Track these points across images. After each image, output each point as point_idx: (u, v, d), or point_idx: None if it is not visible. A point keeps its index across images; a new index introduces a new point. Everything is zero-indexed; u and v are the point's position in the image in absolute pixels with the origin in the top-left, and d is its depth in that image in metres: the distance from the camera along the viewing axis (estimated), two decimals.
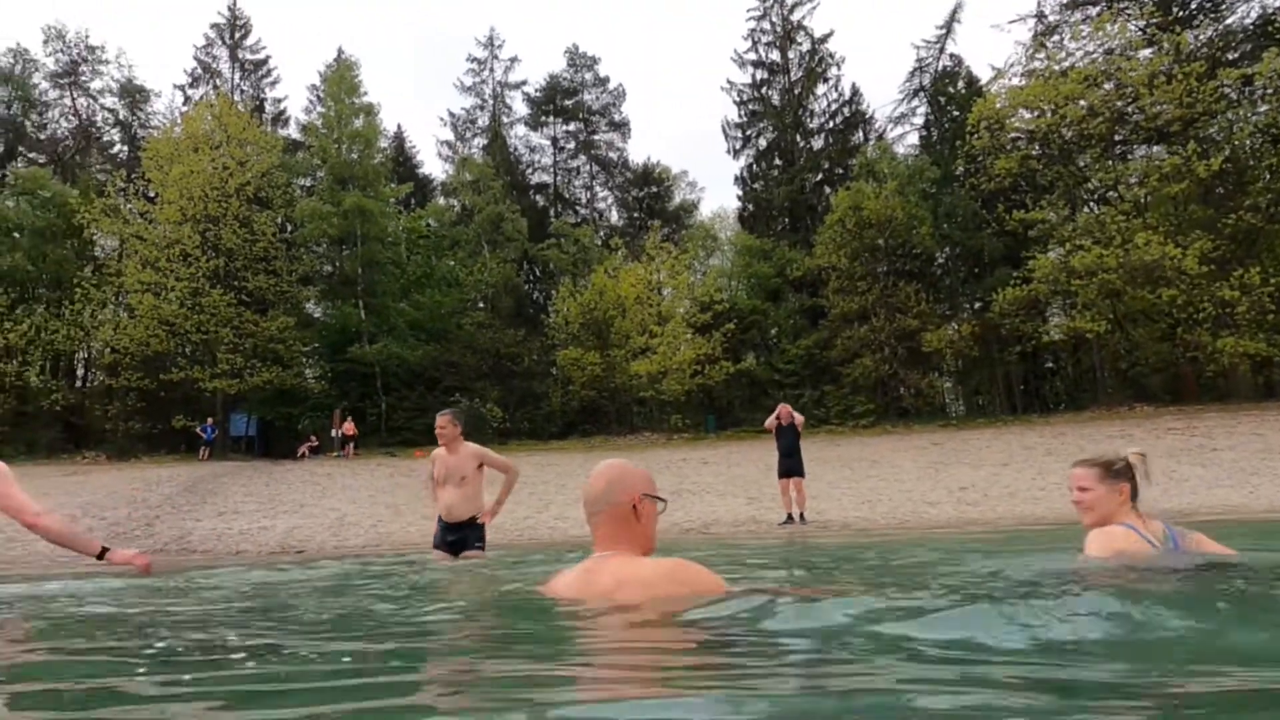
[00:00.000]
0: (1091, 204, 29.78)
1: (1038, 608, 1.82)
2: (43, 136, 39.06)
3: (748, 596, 2.04)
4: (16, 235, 32.45)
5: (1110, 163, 27.69)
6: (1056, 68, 27.85)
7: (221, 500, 17.07)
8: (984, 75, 33.35)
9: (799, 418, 12.21)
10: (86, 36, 38.89)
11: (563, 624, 2.09)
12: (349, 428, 28.15)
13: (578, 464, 22.86)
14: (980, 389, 35.96)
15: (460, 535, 6.17)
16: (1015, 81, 29.62)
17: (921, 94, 37.42)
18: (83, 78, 38.96)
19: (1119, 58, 26.68)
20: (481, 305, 37.19)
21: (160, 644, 2.02)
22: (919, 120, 38.06)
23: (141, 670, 1.68)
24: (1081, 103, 26.95)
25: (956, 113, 34.17)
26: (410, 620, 2.49)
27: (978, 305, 32.68)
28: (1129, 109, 27.22)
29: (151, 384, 30.25)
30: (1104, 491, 2.91)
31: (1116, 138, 28.23)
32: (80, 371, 35.88)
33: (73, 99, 39.36)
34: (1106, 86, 27.10)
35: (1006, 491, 13.46)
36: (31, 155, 38.74)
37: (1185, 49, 25.22)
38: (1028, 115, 28.89)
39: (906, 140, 38.52)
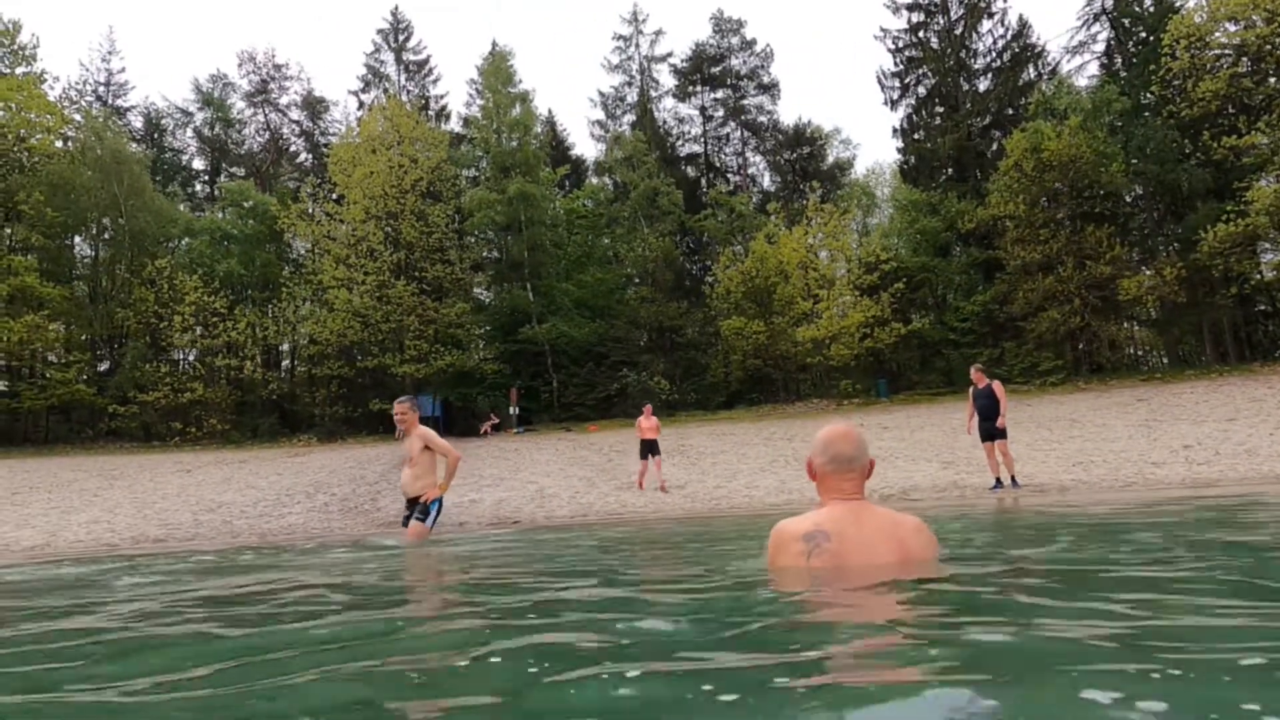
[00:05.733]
0: None
1: None
2: (241, 152, 43.19)
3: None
4: (228, 244, 36.25)
5: None
6: None
7: None
8: None
9: (996, 384, 11.72)
10: (273, 56, 42.79)
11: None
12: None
13: (751, 433, 22.90)
14: (1183, 338, 32.83)
15: (411, 510, 6.92)
16: None
17: (1103, 18, 34.20)
18: (272, 94, 42.72)
19: None
20: (639, 280, 37.80)
21: None
22: (1100, 47, 34.93)
23: None
24: None
25: (1145, 34, 31.10)
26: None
27: (1176, 246, 29.72)
28: None
29: (349, 371, 33.10)
30: None
31: None
32: (287, 363, 39.68)
33: (265, 115, 43.22)
34: None
35: (1242, 449, 12.23)
36: (233, 170, 42.99)
37: None
38: (1234, 28, 26.06)
39: (1086, 71, 35.54)
